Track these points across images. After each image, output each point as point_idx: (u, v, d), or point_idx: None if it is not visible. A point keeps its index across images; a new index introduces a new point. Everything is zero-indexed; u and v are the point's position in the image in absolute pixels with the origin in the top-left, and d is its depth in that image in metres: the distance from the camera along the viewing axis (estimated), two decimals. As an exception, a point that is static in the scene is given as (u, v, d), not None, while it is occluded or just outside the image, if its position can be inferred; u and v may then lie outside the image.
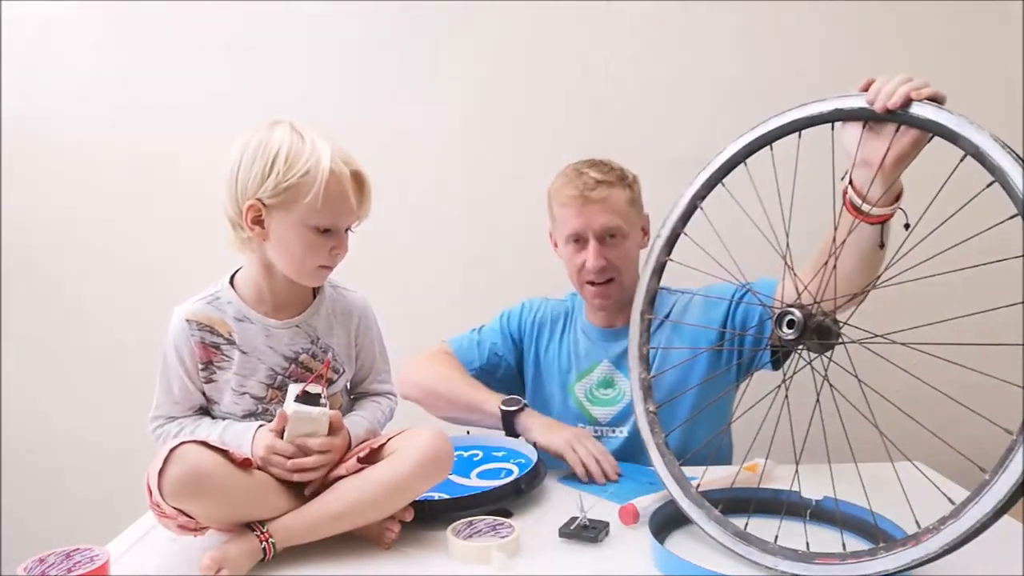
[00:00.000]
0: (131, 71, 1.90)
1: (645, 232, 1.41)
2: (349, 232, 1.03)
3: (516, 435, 1.29)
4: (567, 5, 1.85)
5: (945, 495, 0.78)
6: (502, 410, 1.29)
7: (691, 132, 1.85)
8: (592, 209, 1.29)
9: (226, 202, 0.99)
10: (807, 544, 0.84)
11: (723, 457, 1.38)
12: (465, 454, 1.27)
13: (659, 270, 1.08)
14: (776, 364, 1.28)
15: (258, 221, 0.97)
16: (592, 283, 1.34)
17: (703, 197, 1.05)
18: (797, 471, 0.96)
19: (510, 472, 1.18)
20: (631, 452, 1.36)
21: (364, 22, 1.88)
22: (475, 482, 1.16)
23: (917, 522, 0.79)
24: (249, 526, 0.93)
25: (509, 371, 1.48)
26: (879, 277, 0.90)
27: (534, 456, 1.19)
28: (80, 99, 1.92)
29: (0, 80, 1.91)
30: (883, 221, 0.98)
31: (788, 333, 0.88)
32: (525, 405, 1.30)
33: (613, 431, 1.38)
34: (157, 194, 1.92)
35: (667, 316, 1.38)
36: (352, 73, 1.89)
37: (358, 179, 0.99)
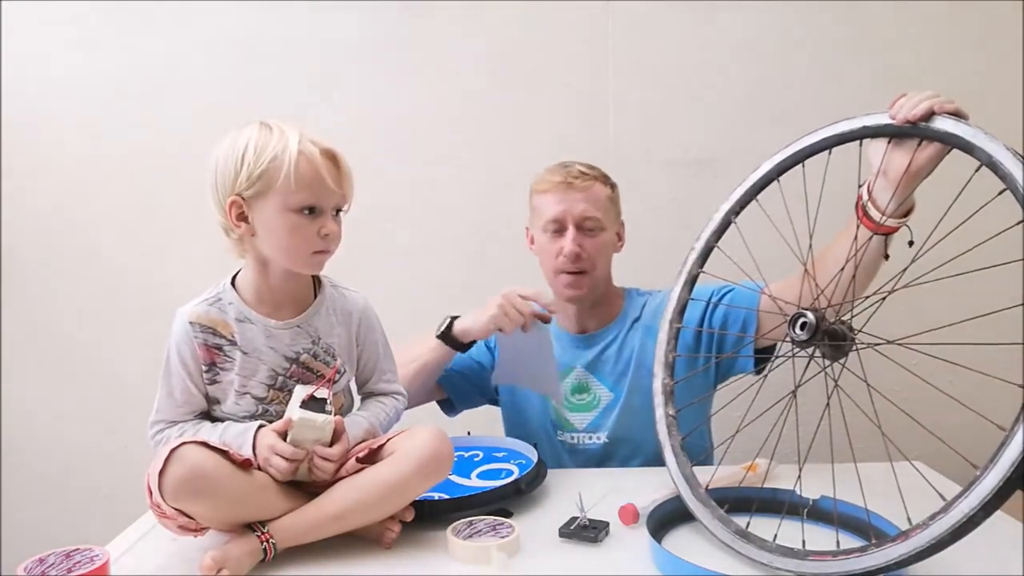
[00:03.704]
0: (131, 71, 1.91)
1: (620, 237, 1.42)
2: (340, 215, 1.03)
3: (468, 347, 1.33)
4: (570, 5, 1.85)
5: (937, 491, 0.78)
6: (441, 337, 1.31)
7: (693, 134, 1.85)
8: (574, 196, 1.32)
9: (213, 208, 1.01)
10: (803, 542, 0.85)
11: (705, 456, 1.37)
12: (465, 455, 1.27)
13: (691, 281, 1.12)
14: (760, 369, 1.28)
15: (242, 217, 0.98)
16: (567, 272, 1.34)
17: (737, 213, 1.09)
18: (800, 472, 0.96)
19: (510, 473, 1.18)
20: (608, 457, 1.37)
21: (366, 21, 1.88)
22: (475, 482, 1.16)
23: (909, 519, 0.80)
24: (250, 526, 0.93)
25: (484, 374, 1.46)
26: (895, 284, 0.91)
27: (534, 456, 1.20)
28: (80, 100, 1.92)
29: (0, 81, 1.91)
30: (890, 233, 1.01)
31: (800, 335, 0.90)
32: (451, 319, 1.32)
33: (590, 437, 1.38)
34: (156, 194, 1.92)
35: (637, 319, 1.39)
36: (353, 72, 1.89)
37: (331, 157, 0.99)
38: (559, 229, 1.33)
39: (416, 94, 1.89)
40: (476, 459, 1.26)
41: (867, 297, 0.96)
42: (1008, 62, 1.79)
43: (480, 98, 1.89)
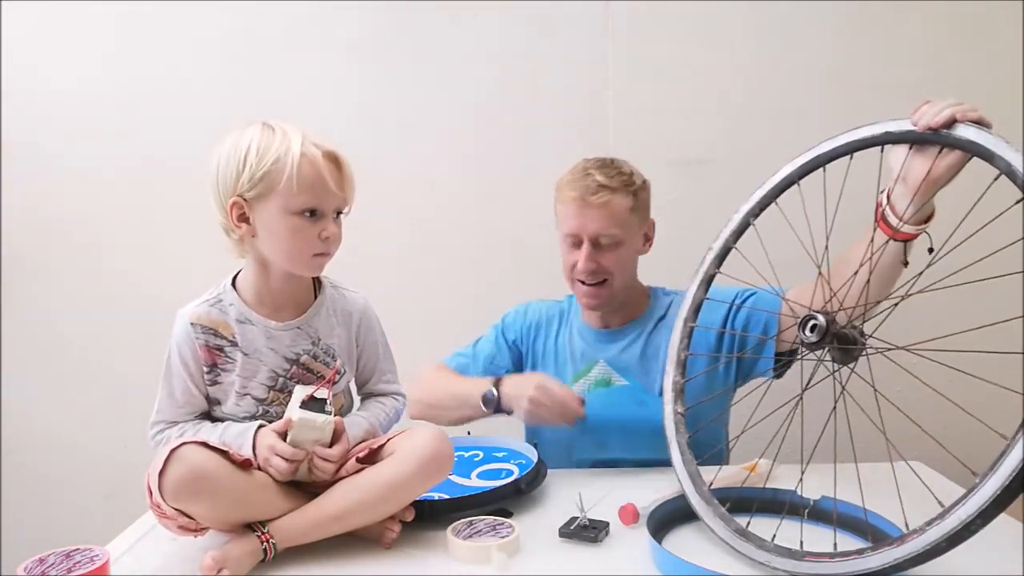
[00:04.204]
0: (131, 71, 1.90)
1: (648, 238, 1.40)
2: (340, 217, 1.03)
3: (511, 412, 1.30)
4: (570, 5, 1.85)
5: (935, 497, 0.78)
6: (486, 399, 1.29)
7: (693, 134, 1.85)
8: (590, 213, 1.30)
9: (213, 207, 1.00)
10: (801, 543, 0.85)
11: (720, 456, 1.37)
12: (466, 454, 1.27)
13: (707, 281, 1.12)
14: (779, 374, 1.28)
15: (243, 218, 0.98)
16: (583, 283, 1.34)
17: (757, 215, 1.09)
18: (803, 473, 0.97)
19: (510, 473, 1.18)
20: None
21: (366, 21, 1.88)
22: (475, 482, 1.16)
23: (906, 523, 0.81)
24: (250, 526, 0.93)
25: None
26: (910, 290, 0.91)
27: (534, 456, 1.20)
28: (80, 100, 1.92)
29: (0, 79, 1.91)
30: (910, 239, 1.01)
31: (810, 337, 0.91)
32: (498, 384, 1.29)
33: None
34: (156, 194, 1.92)
35: (663, 317, 1.39)
36: (353, 72, 1.89)
37: (333, 160, 0.99)
38: (576, 243, 1.33)
39: (416, 94, 1.89)
40: (476, 459, 1.26)
41: (877, 302, 0.97)
42: (1008, 62, 1.78)
43: (480, 98, 1.89)
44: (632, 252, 1.36)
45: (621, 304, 1.40)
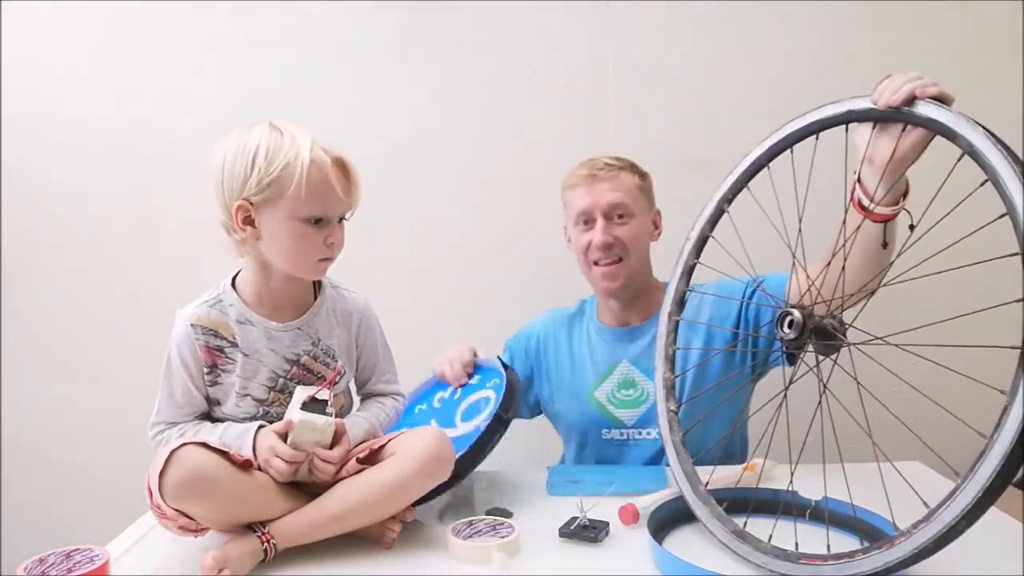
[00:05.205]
0: (132, 71, 1.90)
1: (656, 225, 1.40)
2: (343, 222, 1.02)
3: None
4: (570, 5, 1.85)
5: (921, 499, 0.78)
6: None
7: (693, 134, 1.85)
8: (600, 187, 1.31)
9: (216, 207, 1.00)
10: (796, 544, 0.85)
11: (738, 455, 1.37)
12: (444, 394, 1.26)
13: (688, 272, 1.11)
14: (791, 360, 1.26)
15: (248, 221, 0.97)
16: (599, 263, 1.33)
17: (730, 200, 1.07)
18: (793, 473, 0.96)
19: (487, 400, 1.17)
20: (663, 453, 1.36)
21: (365, 21, 1.88)
22: (461, 428, 1.15)
23: (895, 525, 0.80)
24: (250, 527, 0.93)
25: (526, 392, 1.48)
26: (882, 278, 0.89)
27: (502, 371, 1.19)
28: (81, 99, 1.91)
29: (0, 80, 1.91)
30: (887, 220, 0.98)
31: (788, 333, 0.89)
32: None
33: (640, 433, 1.35)
34: (157, 194, 1.92)
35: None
36: (354, 73, 1.89)
37: (341, 166, 0.99)
38: (589, 221, 1.33)
39: (415, 95, 1.89)
40: (456, 397, 1.24)
41: (851, 295, 0.95)
42: (1008, 63, 1.78)
43: (480, 98, 1.89)
44: (644, 231, 1.35)
45: (637, 297, 1.38)
